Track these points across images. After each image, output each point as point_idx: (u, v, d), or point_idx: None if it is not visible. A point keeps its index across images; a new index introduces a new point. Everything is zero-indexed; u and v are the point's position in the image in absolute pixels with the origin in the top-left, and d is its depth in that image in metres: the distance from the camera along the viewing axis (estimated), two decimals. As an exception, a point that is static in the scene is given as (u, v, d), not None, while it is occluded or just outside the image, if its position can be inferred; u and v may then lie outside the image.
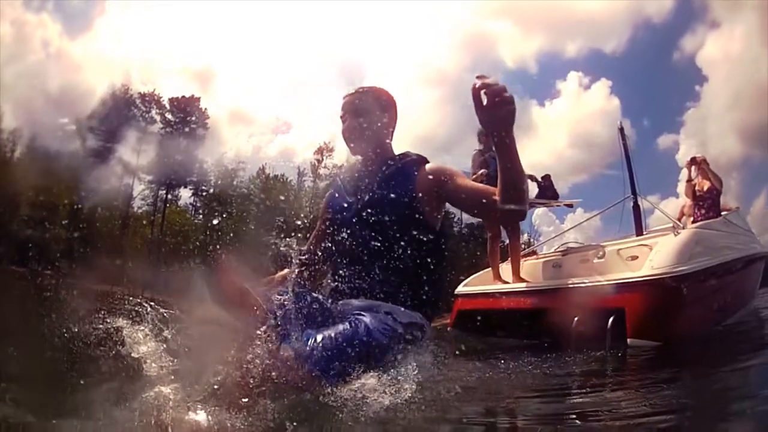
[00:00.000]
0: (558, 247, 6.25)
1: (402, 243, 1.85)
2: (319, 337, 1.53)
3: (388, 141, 2.09)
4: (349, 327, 1.59)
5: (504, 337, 5.31)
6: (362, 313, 1.68)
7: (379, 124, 2.02)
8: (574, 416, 1.69)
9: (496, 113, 1.49)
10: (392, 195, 1.92)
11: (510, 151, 1.58)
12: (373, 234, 1.89)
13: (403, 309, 1.79)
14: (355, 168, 2.11)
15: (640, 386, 2.65)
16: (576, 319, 4.09)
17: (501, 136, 1.55)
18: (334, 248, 2.00)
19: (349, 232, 1.94)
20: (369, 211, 1.93)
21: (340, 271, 1.93)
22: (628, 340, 3.89)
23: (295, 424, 1.30)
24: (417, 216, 1.89)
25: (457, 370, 2.71)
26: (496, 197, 1.66)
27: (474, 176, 5.59)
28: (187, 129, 21.68)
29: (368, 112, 2.01)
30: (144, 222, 21.85)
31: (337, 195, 2.10)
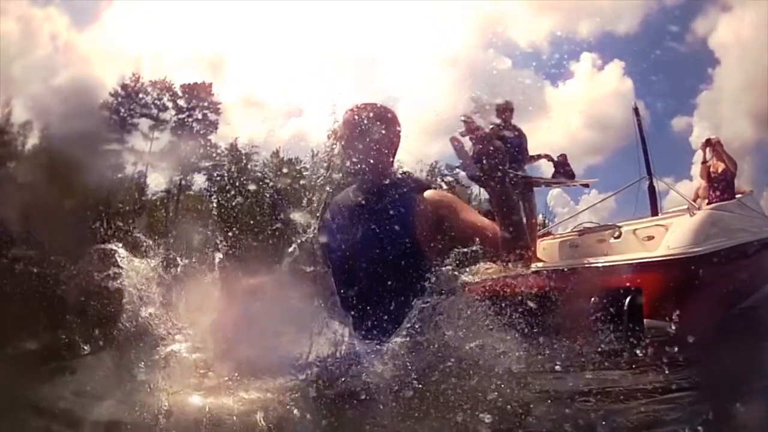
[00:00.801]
0: (575, 227, 6.26)
1: (399, 282, 1.74)
2: None
3: (388, 162, 1.92)
4: None
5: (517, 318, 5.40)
6: None
7: (379, 145, 1.85)
8: (590, 394, 1.80)
9: (483, 163, 1.40)
10: (387, 232, 1.78)
11: (507, 202, 1.50)
12: (370, 271, 1.78)
13: None
14: (351, 195, 1.95)
15: (656, 366, 2.79)
16: (593, 299, 4.12)
17: (494, 187, 1.45)
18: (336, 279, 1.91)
19: (346, 267, 1.86)
20: (363, 246, 1.81)
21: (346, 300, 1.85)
22: (645, 320, 3.94)
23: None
24: (414, 254, 1.77)
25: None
26: (498, 239, 1.58)
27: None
28: (199, 115, 21.86)
29: (369, 131, 1.83)
30: (159, 207, 22.18)
31: (334, 224, 1.95)
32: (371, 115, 1.84)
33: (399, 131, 1.94)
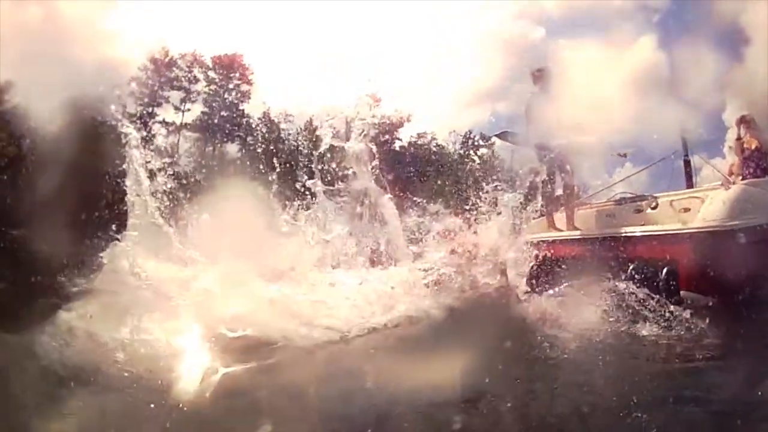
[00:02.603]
0: (610, 198, 6.51)
1: None
2: None
3: None
4: None
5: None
6: None
7: None
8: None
9: None
10: None
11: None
12: None
13: None
14: None
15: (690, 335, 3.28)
16: (631, 267, 4.40)
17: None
18: None
19: None
20: None
21: None
22: (681, 292, 4.21)
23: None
24: None
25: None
26: None
27: None
28: (231, 85, 22.19)
29: None
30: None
31: None
32: None
33: None
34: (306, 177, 5.70)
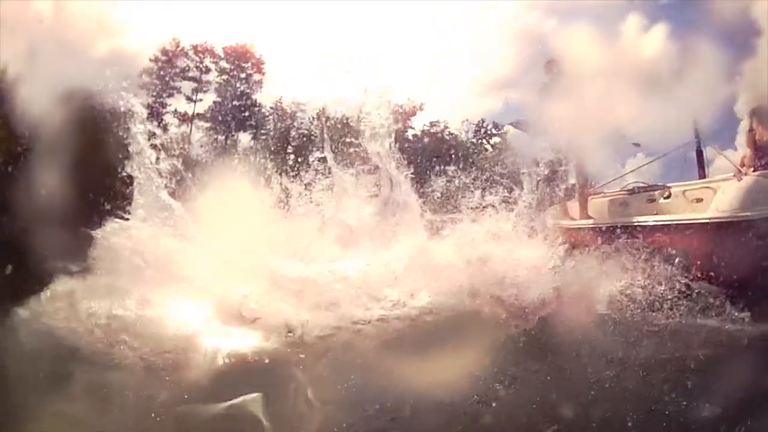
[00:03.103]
0: (623, 187, 6.56)
1: None
2: None
3: None
4: None
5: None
6: None
7: None
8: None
9: None
10: None
11: None
12: None
13: None
14: None
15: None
16: (642, 257, 4.53)
17: None
18: None
19: None
20: None
21: None
22: (693, 282, 4.28)
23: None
24: None
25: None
26: None
27: None
28: (243, 75, 22.24)
29: None
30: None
31: None
32: None
33: None
34: (319, 159, 5.87)
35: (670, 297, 4.14)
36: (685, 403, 2.42)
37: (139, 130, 4.81)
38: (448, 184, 6.32)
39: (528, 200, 5.59)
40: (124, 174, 4.92)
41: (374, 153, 5.68)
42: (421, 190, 6.06)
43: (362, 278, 4.47)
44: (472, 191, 5.87)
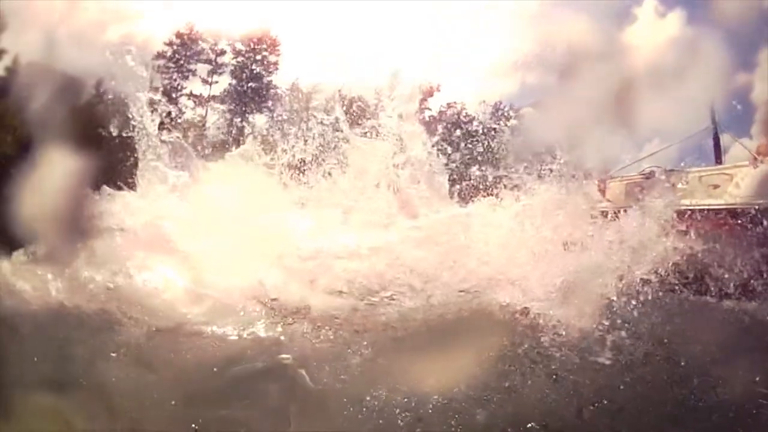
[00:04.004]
0: (640, 172, 6.59)
1: None
2: None
3: None
4: None
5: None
6: None
7: None
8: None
9: None
10: None
11: None
12: None
13: None
14: None
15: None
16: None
17: None
18: None
19: None
20: None
21: None
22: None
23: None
24: None
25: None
26: None
27: None
28: (258, 57, 22.28)
29: None
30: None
31: None
32: None
33: None
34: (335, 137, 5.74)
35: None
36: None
37: (144, 101, 4.96)
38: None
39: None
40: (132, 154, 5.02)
41: (394, 133, 5.48)
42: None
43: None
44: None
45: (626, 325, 3.26)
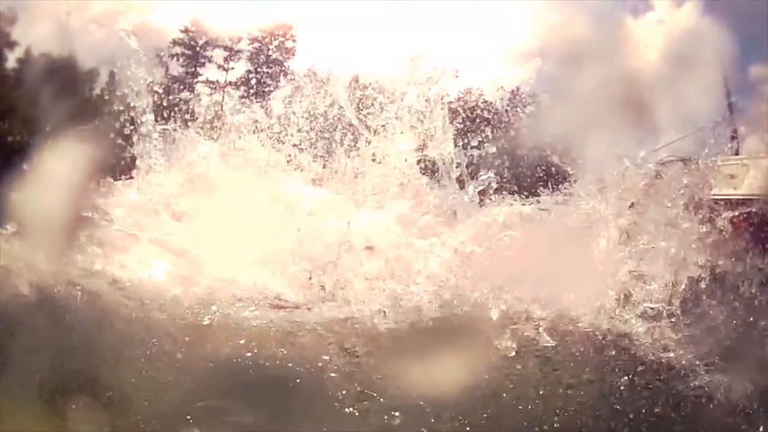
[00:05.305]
0: (659, 160, 6.54)
1: None
2: None
3: None
4: None
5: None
6: None
7: None
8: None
9: None
10: None
11: None
12: None
13: None
14: None
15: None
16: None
17: None
18: None
19: None
20: None
21: None
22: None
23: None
24: None
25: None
26: None
27: None
28: (275, 42, 22.28)
29: None
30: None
31: None
32: None
33: None
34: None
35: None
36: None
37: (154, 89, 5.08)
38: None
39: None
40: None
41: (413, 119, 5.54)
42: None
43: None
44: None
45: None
